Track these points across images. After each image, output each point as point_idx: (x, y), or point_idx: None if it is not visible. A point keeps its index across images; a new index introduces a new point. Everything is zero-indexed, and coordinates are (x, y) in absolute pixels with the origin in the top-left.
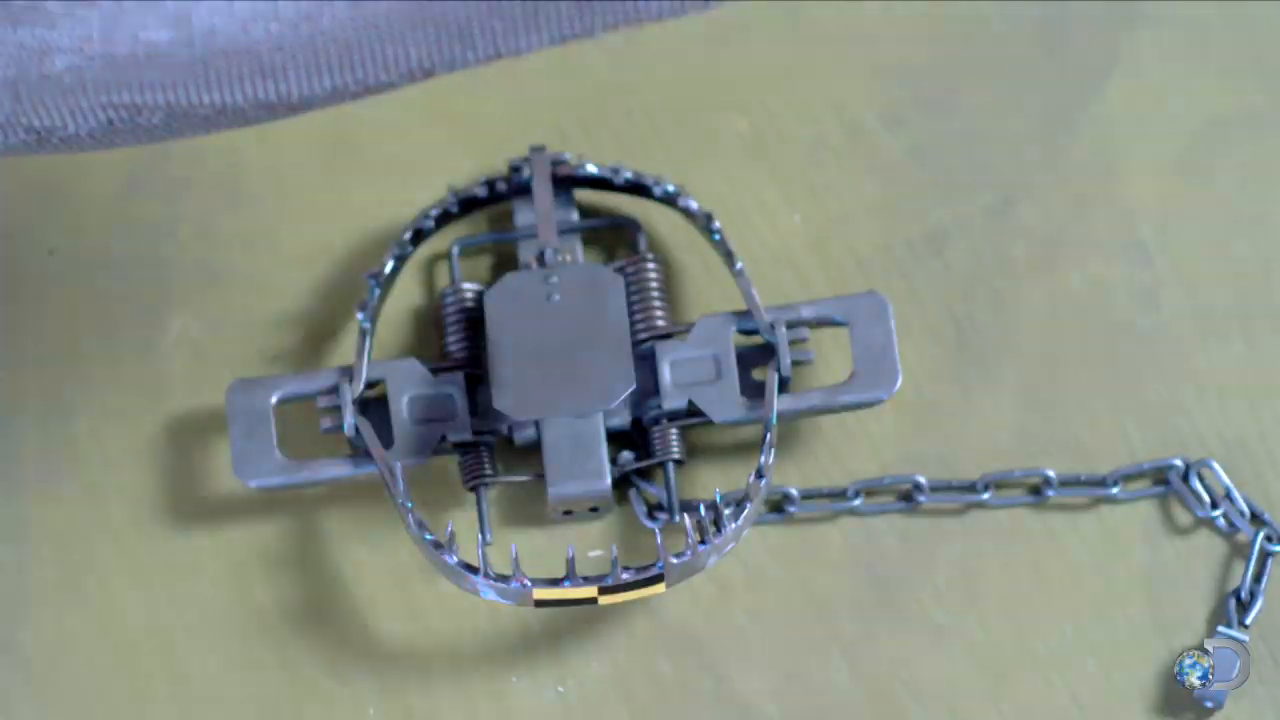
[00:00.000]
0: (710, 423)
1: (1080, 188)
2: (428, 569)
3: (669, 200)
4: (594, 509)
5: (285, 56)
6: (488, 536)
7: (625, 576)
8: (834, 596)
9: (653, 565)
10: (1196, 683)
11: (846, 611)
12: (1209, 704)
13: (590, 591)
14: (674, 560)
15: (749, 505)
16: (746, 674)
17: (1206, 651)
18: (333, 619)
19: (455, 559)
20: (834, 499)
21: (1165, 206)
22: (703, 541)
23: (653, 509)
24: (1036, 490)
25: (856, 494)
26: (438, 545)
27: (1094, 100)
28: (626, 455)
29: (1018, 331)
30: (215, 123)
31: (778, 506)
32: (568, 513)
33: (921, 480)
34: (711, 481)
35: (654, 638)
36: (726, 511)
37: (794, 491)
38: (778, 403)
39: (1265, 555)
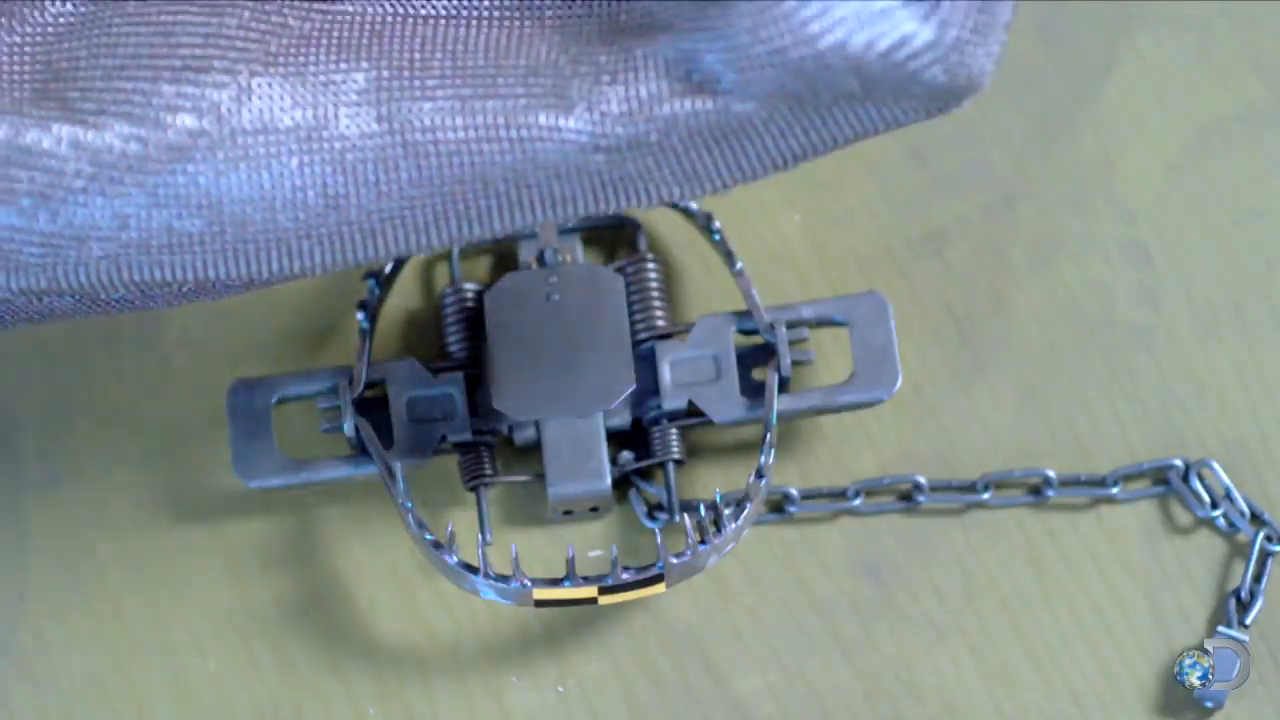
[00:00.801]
0: (710, 423)
1: (1080, 187)
2: (428, 569)
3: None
4: (594, 509)
5: (312, 242)
6: (488, 536)
7: (625, 576)
8: (833, 596)
9: (653, 565)
10: (1196, 683)
11: (846, 611)
12: (1209, 704)
13: (590, 591)
14: (674, 560)
15: (749, 505)
16: (746, 673)
17: (1206, 651)
18: (332, 618)
19: (455, 559)
20: (834, 499)
21: (1165, 206)
22: (703, 541)
23: (653, 509)
24: (1036, 490)
25: (856, 494)
26: (438, 545)
27: (1094, 100)
28: (626, 455)
29: (1018, 331)
30: (242, 289)
31: (778, 506)
32: (568, 513)
33: (921, 480)
34: (711, 481)
35: (654, 637)
36: (726, 511)
37: (794, 491)
38: (778, 403)
39: (1265, 555)
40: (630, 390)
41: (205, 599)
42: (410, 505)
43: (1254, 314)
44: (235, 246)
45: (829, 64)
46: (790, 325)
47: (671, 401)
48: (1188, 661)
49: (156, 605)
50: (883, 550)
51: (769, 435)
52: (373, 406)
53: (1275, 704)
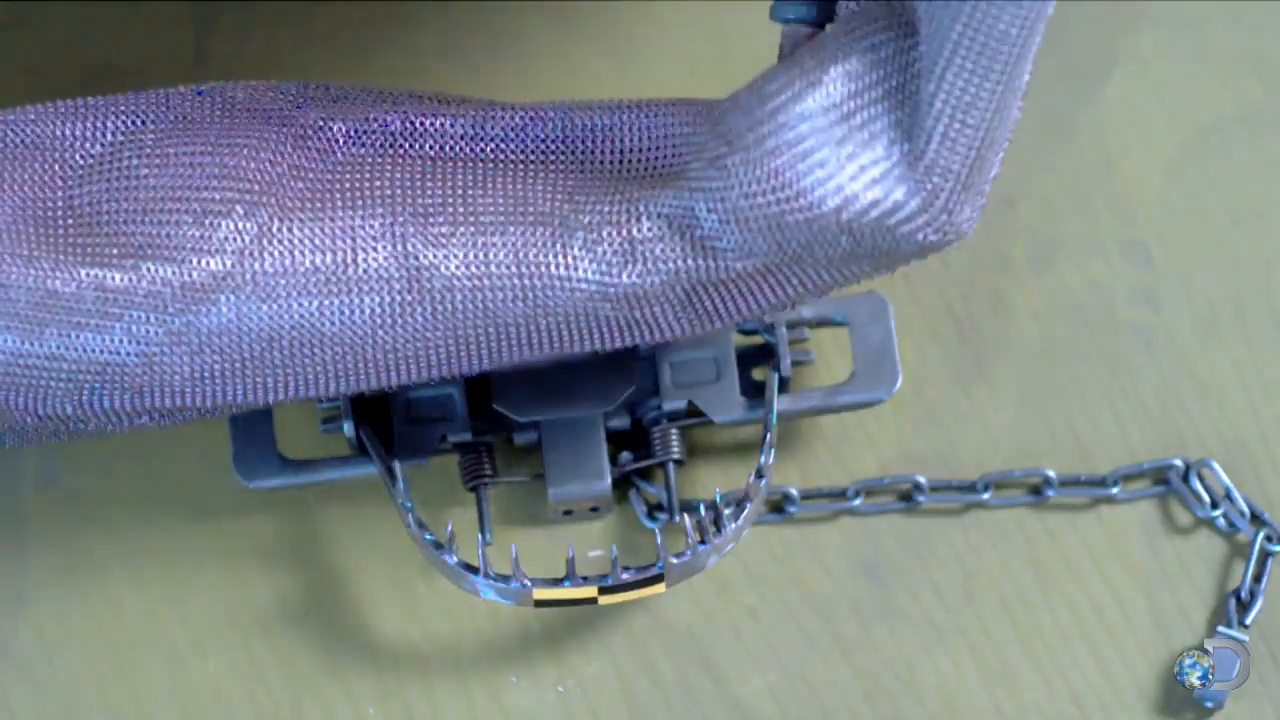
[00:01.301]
0: (710, 423)
1: (1080, 187)
2: (428, 569)
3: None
4: (594, 509)
5: (328, 376)
6: (488, 537)
7: (625, 576)
8: (834, 596)
9: (653, 565)
10: (1196, 683)
11: (846, 612)
12: (1209, 704)
13: (590, 591)
14: (674, 560)
15: (749, 505)
16: (746, 674)
17: (1206, 652)
18: (332, 618)
19: (455, 559)
20: (834, 499)
21: (1165, 206)
22: (703, 541)
23: (653, 509)
24: (1036, 490)
25: (856, 494)
26: (438, 545)
27: (1094, 100)
28: (626, 455)
29: (1018, 331)
30: (253, 408)
31: (778, 506)
32: (568, 512)
33: (921, 480)
34: (711, 481)
35: (654, 638)
36: (726, 511)
37: (794, 491)
38: (778, 402)
39: (1265, 555)
40: (630, 390)
41: (205, 599)
42: (410, 505)
43: (1254, 314)
44: (254, 380)
45: (824, 228)
46: (790, 325)
47: (671, 402)
48: (1188, 662)
49: (156, 605)
50: (883, 550)
51: (769, 435)
52: (373, 406)
53: (1276, 704)
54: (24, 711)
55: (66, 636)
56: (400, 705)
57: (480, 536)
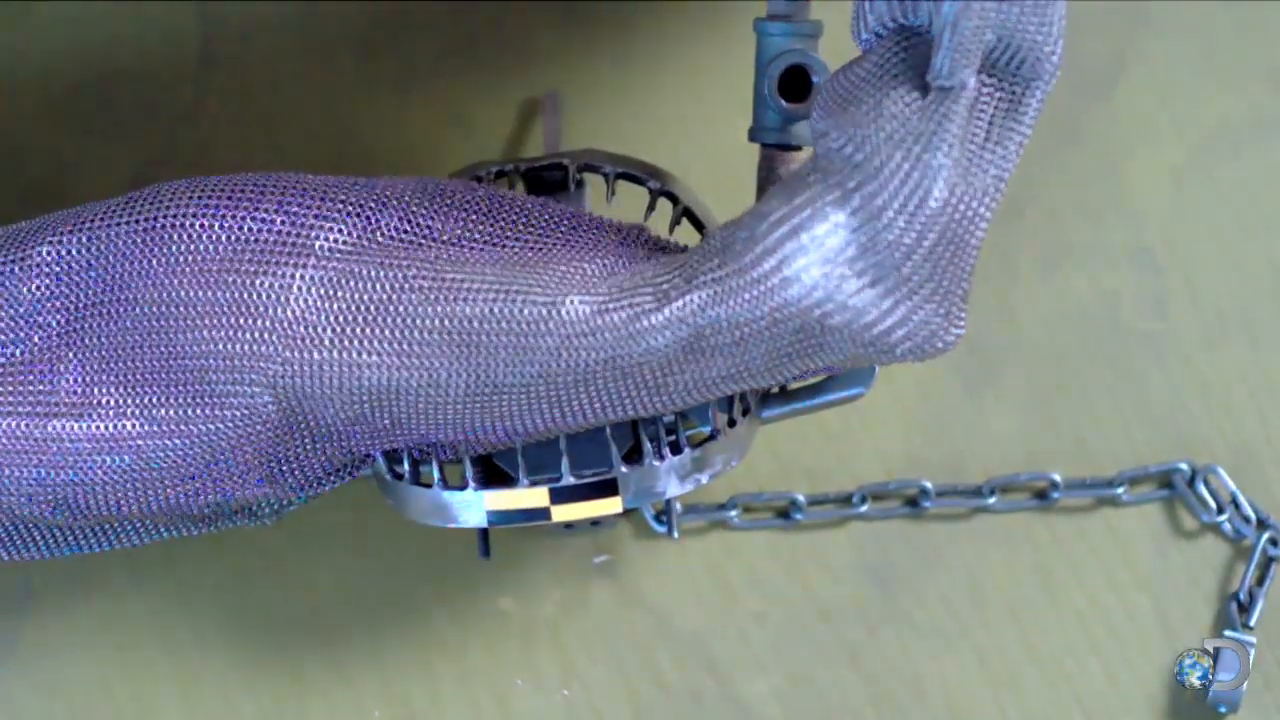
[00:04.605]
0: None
1: (1087, 193)
2: (432, 572)
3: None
4: (594, 523)
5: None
6: (488, 553)
7: (572, 479)
8: (840, 601)
9: (605, 470)
10: (1196, 683)
11: (852, 616)
12: (1223, 709)
13: (542, 497)
14: (624, 470)
15: (719, 436)
16: (751, 678)
17: (1207, 651)
18: (337, 620)
19: (408, 474)
20: (840, 504)
21: (1172, 213)
22: (660, 457)
23: (660, 514)
24: (1042, 494)
25: (863, 499)
26: (398, 477)
27: (1101, 106)
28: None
29: (1024, 336)
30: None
31: (784, 512)
32: (568, 526)
33: (927, 485)
34: (715, 488)
35: (659, 641)
36: (685, 437)
37: (800, 498)
38: (764, 408)
39: (1268, 560)
40: (628, 446)
41: (209, 599)
42: (379, 454)
43: (1261, 320)
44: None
45: (809, 334)
46: None
47: (667, 415)
48: (1187, 662)
49: (160, 605)
50: (889, 555)
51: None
52: None
53: None
54: (29, 712)
55: (71, 637)
56: (405, 707)
57: (480, 548)
